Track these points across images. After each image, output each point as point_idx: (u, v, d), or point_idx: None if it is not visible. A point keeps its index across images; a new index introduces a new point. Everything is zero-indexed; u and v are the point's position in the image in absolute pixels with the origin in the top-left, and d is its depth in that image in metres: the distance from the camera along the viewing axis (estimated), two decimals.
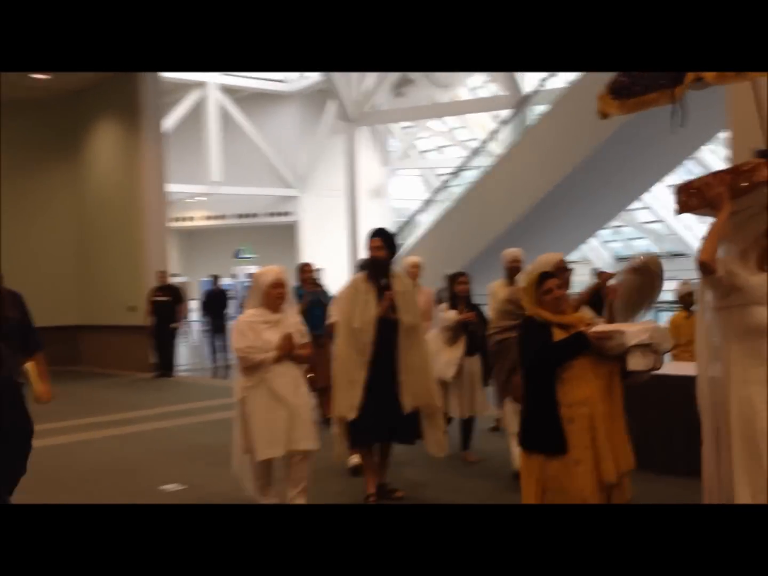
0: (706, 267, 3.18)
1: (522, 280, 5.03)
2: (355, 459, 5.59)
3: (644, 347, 3.23)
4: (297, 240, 26.74)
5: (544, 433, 3.29)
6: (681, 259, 26.80)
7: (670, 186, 25.21)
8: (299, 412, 4.31)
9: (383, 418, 4.89)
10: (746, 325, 3.22)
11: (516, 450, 5.06)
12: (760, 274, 3.28)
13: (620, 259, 26.68)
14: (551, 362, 3.30)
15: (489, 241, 14.32)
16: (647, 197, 21.80)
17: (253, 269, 28.53)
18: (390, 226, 19.34)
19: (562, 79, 16.41)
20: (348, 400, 4.88)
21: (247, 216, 27.82)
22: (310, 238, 26.11)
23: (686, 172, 24.95)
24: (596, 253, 27.58)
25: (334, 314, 5.64)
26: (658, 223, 24.17)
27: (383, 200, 25.26)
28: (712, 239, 3.18)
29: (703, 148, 18.84)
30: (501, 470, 5.62)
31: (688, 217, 26.18)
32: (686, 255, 25.82)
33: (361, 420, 4.87)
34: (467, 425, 6.24)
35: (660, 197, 24.51)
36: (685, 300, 7.02)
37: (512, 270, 6.20)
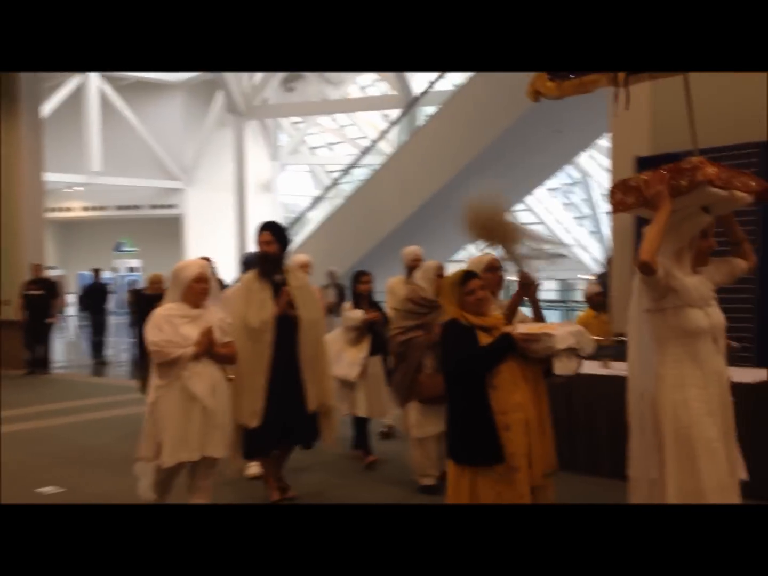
0: (647, 267, 3.09)
1: (420, 276, 4.99)
2: (253, 469, 5.33)
3: (570, 351, 3.19)
4: (182, 234, 26.11)
5: (479, 444, 3.15)
6: (560, 260, 27.89)
7: (550, 189, 26.22)
8: (214, 416, 4.01)
9: (285, 423, 4.67)
10: (681, 328, 3.17)
11: (417, 455, 4.96)
12: (695, 276, 3.28)
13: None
14: (481, 368, 3.16)
15: (378, 239, 14.45)
16: (529, 199, 22.55)
17: (134, 263, 27.76)
18: (279, 221, 19.15)
19: (451, 82, 16.76)
20: (250, 407, 4.61)
21: (128, 208, 26.88)
22: (196, 232, 25.54)
23: (566, 176, 26.04)
24: (482, 252, 28.28)
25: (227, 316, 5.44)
26: (538, 224, 25.04)
27: (272, 195, 25.04)
28: (653, 239, 3.07)
29: (582, 153, 19.64)
30: (399, 475, 5.48)
31: (568, 219, 27.30)
32: (565, 256, 26.89)
33: (261, 427, 4.62)
34: (364, 426, 6.06)
35: (541, 200, 25.43)
36: (593, 300, 6.96)
37: (413, 267, 6.10)
